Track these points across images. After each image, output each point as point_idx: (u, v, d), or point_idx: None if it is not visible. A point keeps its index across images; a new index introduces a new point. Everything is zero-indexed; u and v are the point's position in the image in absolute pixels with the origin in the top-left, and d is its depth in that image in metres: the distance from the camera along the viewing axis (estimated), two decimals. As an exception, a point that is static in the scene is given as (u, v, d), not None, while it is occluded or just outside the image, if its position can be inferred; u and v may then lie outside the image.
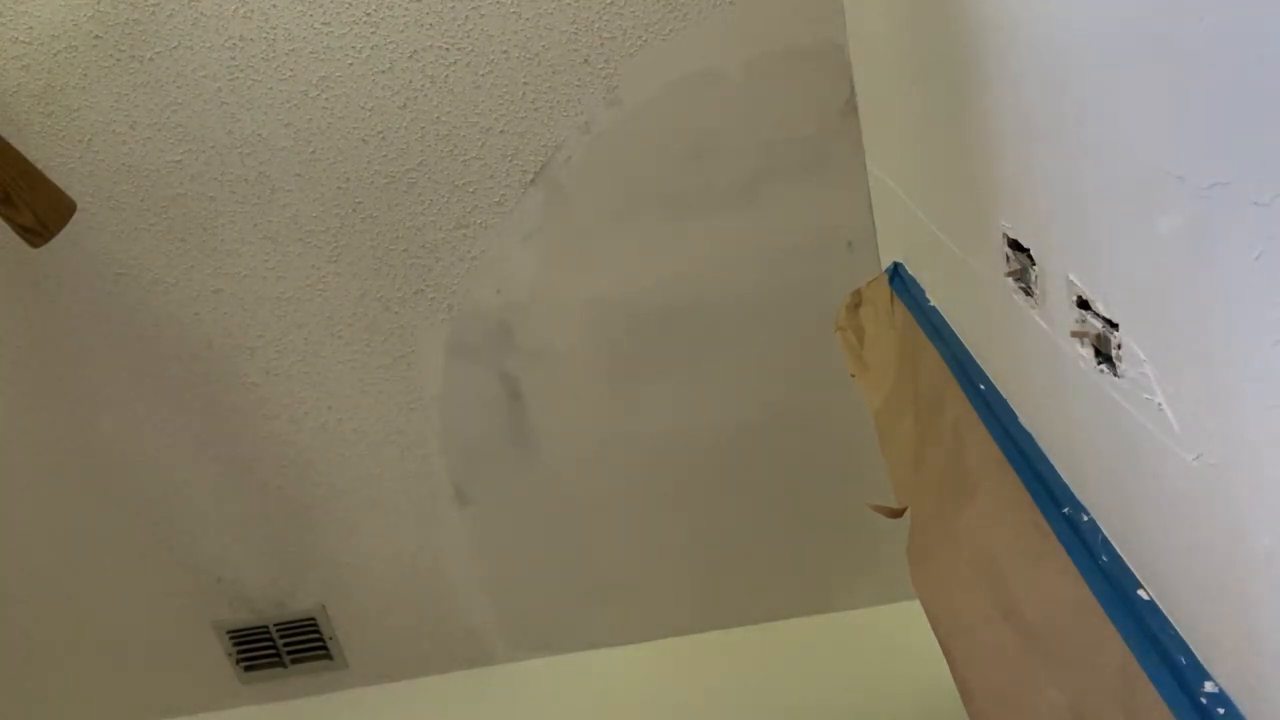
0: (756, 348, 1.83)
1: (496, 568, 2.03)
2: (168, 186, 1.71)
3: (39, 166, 1.46)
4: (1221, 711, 0.74)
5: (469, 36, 1.62)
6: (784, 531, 1.98)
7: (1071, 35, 0.77)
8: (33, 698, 2.15)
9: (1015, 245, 0.98)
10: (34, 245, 1.47)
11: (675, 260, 1.77)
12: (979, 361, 1.21)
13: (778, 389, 1.86)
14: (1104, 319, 0.82)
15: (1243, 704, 0.74)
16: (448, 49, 1.63)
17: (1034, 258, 0.95)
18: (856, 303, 1.60)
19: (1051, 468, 1.02)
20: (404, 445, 1.92)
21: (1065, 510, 0.98)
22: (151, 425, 1.90)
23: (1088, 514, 0.95)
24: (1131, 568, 0.88)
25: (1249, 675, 0.72)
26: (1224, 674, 0.76)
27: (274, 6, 1.60)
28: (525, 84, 1.65)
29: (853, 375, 1.55)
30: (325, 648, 2.10)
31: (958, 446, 1.17)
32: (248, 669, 2.12)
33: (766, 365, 1.84)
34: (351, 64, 1.63)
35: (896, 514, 1.27)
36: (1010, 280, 1.00)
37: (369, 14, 1.60)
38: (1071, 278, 0.86)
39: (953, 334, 1.30)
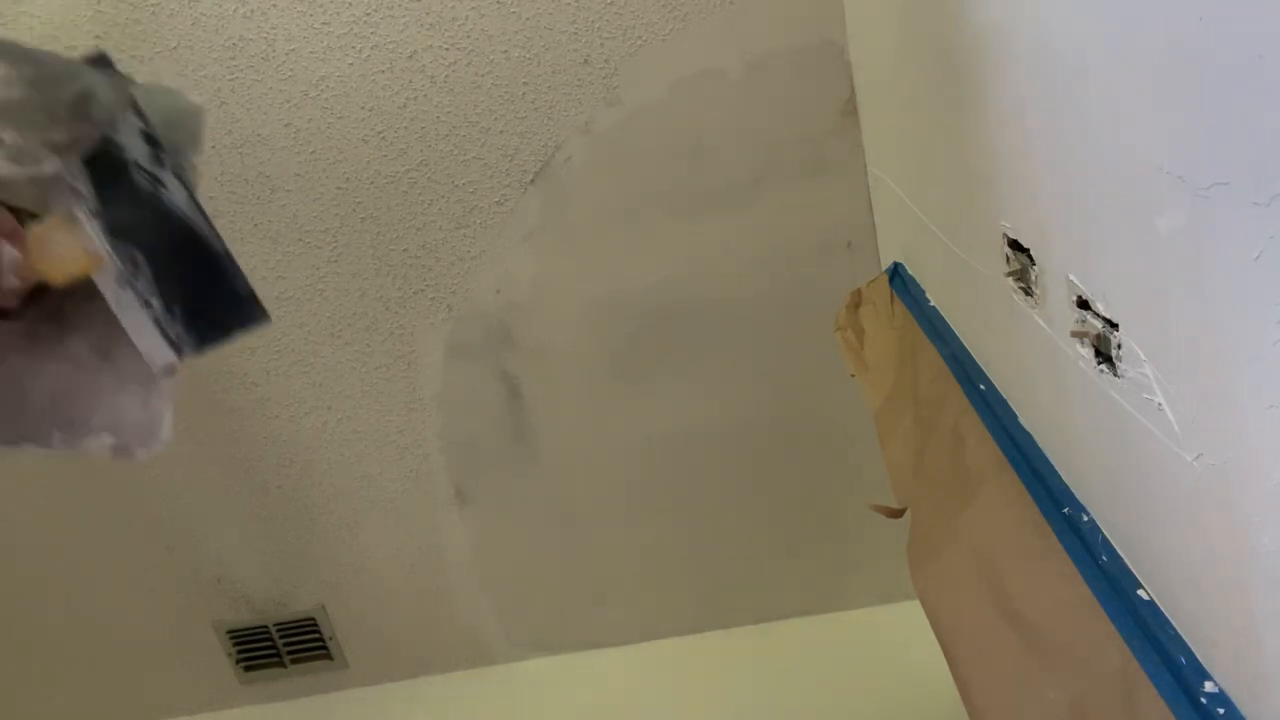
0: (756, 348, 1.83)
1: (496, 568, 2.03)
2: (168, 186, 1.71)
3: (39, 166, 1.46)
4: (1221, 711, 0.74)
5: (469, 36, 1.62)
6: (784, 531, 1.98)
7: (1071, 35, 0.77)
8: (33, 697, 2.15)
9: (1015, 245, 0.98)
10: (34, 245, 1.46)
11: (675, 260, 1.77)
12: (979, 361, 1.21)
13: (778, 388, 1.86)
14: (1104, 319, 0.82)
15: (1243, 704, 0.74)
16: (448, 49, 1.62)
17: (1034, 258, 0.95)
18: (856, 303, 1.60)
19: (1051, 468, 1.02)
20: (404, 445, 1.92)
21: (1065, 510, 0.98)
22: (151, 425, 1.90)
23: (1088, 514, 0.95)
24: (1131, 568, 0.88)
25: (1249, 675, 0.72)
26: (1224, 674, 0.76)
27: (274, 6, 1.60)
28: (525, 84, 1.65)
29: (853, 375, 1.55)
30: (325, 648, 2.10)
31: (958, 446, 1.17)
32: (248, 669, 2.12)
33: (766, 365, 1.84)
34: (351, 64, 1.63)
35: (896, 514, 1.27)
36: (1010, 280, 1.00)
37: (369, 14, 1.60)
38: (1071, 278, 0.86)
39: (953, 334, 1.30)
